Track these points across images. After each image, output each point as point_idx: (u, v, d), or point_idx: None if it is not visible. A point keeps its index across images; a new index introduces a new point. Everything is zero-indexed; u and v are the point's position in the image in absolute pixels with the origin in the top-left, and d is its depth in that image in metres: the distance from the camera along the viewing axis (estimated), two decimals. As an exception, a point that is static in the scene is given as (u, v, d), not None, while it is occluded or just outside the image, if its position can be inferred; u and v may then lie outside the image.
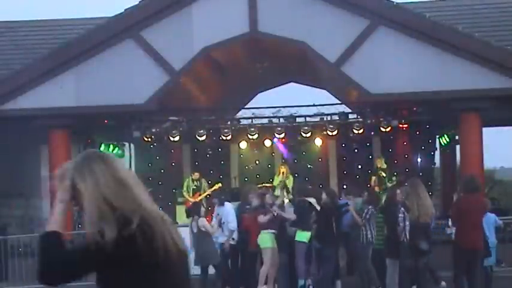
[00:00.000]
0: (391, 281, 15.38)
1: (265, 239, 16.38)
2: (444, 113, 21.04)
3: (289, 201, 18.05)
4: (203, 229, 16.27)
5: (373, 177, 22.87)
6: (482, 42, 19.38)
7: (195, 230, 16.31)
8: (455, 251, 14.49)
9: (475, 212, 14.32)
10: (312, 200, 16.54)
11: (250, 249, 17.09)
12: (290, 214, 16.73)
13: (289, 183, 22.88)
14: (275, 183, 23.05)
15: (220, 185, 23.00)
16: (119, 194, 4.66)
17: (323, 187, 21.41)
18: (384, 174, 22.71)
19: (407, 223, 14.72)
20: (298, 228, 16.44)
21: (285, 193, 21.93)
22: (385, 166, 22.95)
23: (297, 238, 16.43)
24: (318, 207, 16.39)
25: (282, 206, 17.40)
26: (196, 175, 22.97)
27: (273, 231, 16.45)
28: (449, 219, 15.92)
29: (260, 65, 23.17)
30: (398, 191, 16.09)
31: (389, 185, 22.20)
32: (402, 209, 14.93)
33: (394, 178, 22.59)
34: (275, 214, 16.47)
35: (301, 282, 16.45)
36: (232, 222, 17.02)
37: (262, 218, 16.40)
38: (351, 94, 22.05)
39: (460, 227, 14.40)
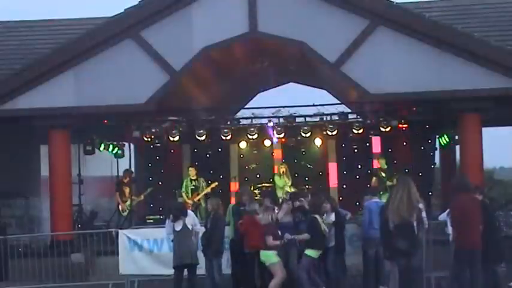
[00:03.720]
0: (393, 282, 15.37)
1: (270, 256, 16.39)
2: (444, 113, 21.05)
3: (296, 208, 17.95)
4: (190, 227, 16.29)
5: (374, 178, 22.89)
6: (482, 42, 19.38)
7: (178, 229, 16.30)
8: (455, 251, 14.49)
9: (470, 211, 14.26)
10: (319, 219, 16.53)
11: (246, 251, 17.08)
12: (304, 235, 16.57)
13: (288, 183, 22.87)
14: (277, 183, 23.04)
15: (216, 183, 22.99)
16: None
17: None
18: (384, 175, 22.73)
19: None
20: (308, 247, 16.41)
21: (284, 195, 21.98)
22: (385, 166, 22.97)
23: (307, 252, 16.39)
24: (323, 227, 16.42)
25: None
26: (192, 170, 22.89)
27: (276, 252, 16.50)
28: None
29: (260, 65, 23.17)
30: None
31: (389, 183, 22.23)
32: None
33: (394, 178, 22.60)
34: (285, 241, 16.55)
35: None
36: (198, 225, 17.06)
37: (270, 241, 16.36)
38: (351, 94, 22.05)
39: (458, 227, 14.36)
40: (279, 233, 16.59)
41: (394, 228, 14.19)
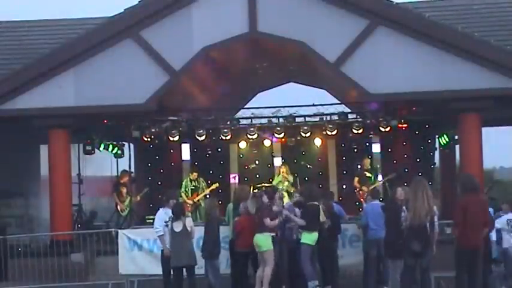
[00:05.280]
0: (393, 282, 15.39)
1: (266, 241, 16.33)
2: (444, 113, 21.04)
3: (294, 203, 17.89)
4: (189, 229, 16.28)
5: (356, 178, 22.90)
6: (482, 42, 19.38)
7: (177, 230, 16.26)
8: (456, 251, 14.52)
9: (475, 212, 14.33)
10: (322, 207, 16.49)
11: (238, 250, 17.01)
12: (300, 219, 16.53)
13: (289, 184, 22.89)
14: (274, 182, 23.09)
15: (217, 184, 22.99)
16: None
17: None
18: (369, 175, 22.76)
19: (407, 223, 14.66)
20: (304, 230, 16.38)
21: (286, 195, 22.00)
22: (369, 167, 23.01)
23: (303, 240, 16.37)
24: (323, 217, 16.37)
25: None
26: (195, 175, 22.95)
27: (273, 234, 16.41)
28: (451, 219, 15.86)
29: (260, 65, 23.18)
30: (399, 190, 16.09)
31: (378, 183, 22.32)
32: (404, 207, 14.90)
33: (378, 178, 22.69)
34: (283, 217, 16.49)
35: (311, 285, 16.26)
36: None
37: (269, 222, 16.32)
38: (351, 94, 22.06)
39: (461, 227, 14.41)
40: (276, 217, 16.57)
41: (409, 229, 14.32)
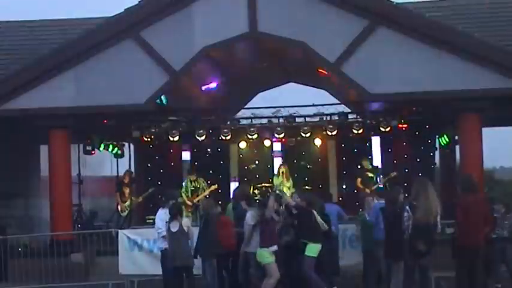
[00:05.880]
0: (396, 282, 15.36)
1: (265, 256, 16.18)
2: (444, 113, 21.05)
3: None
4: (186, 229, 16.26)
5: (359, 179, 22.84)
6: (482, 42, 19.37)
7: (174, 230, 16.24)
8: (457, 251, 14.55)
9: (475, 211, 14.37)
10: (315, 213, 16.40)
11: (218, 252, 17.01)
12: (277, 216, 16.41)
13: (289, 185, 22.86)
14: (275, 183, 23.08)
15: (216, 186, 22.96)
16: None
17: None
18: (371, 175, 22.74)
19: (410, 222, 14.65)
20: (309, 241, 16.29)
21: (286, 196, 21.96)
22: (370, 167, 22.98)
23: (307, 253, 16.11)
24: (319, 220, 16.28)
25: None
26: (193, 177, 22.91)
27: (274, 248, 16.21)
28: (451, 219, 15.88)
29: (260, 65, 23.18)
30: (402, 191, 16.05)
31: (380, 182, 22.30)
32: (407, 207, 14.85)
33: (380, 178, 22.68)
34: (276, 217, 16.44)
35: None
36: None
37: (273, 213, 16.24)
38: (351, 94, 22.06)
39: (462, 227, 14.44)
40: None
41: (415, 228, 14.32)
